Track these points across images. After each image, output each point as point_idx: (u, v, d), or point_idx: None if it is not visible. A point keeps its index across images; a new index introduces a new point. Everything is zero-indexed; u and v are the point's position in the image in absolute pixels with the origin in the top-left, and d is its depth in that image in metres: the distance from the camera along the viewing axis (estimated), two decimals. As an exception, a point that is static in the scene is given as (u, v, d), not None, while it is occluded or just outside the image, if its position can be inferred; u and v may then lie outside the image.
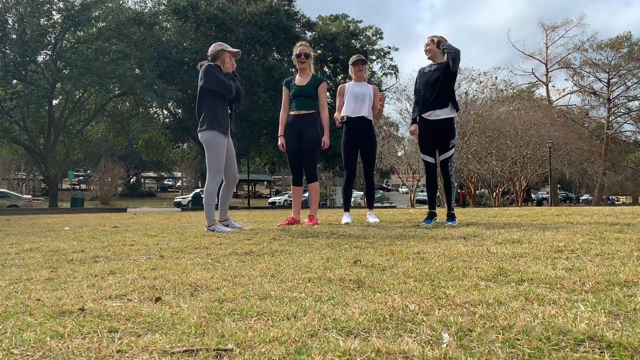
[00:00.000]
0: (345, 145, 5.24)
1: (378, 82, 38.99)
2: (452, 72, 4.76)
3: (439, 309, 1.52)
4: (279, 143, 5.22)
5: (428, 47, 4.89)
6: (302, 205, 5.52)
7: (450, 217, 4.83)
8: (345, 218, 5.24)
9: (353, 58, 5.33)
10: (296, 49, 5.18)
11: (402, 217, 6.12)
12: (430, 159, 4.92)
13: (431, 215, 4.97)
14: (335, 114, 5.33)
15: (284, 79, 5.41)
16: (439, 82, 4.76)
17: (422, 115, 4.88)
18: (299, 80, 5.17)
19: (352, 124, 5.21)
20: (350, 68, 5.38)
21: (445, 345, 1.21)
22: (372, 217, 5.25)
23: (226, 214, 4.89)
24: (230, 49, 4.72)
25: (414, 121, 5.00)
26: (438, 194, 34.36)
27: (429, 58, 4.92)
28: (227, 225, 4.79)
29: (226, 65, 4.64)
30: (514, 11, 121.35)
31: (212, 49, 4.70)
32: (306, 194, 13.55)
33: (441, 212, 5.22)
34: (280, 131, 5.21)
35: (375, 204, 6.17)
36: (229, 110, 4.71)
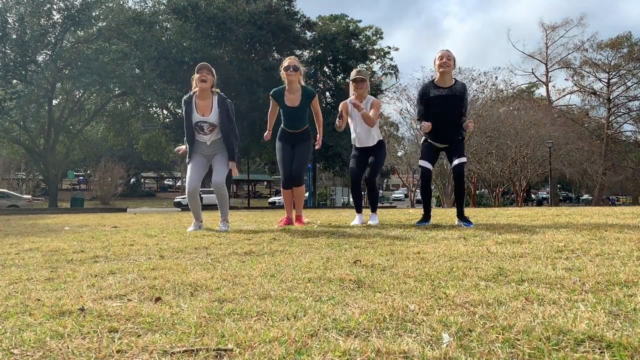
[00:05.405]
0: (354, 163, 5.14)
1: (378, 82, 38.94)
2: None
3: (439, 309, 1.52)
4: (266, 134, 5.25)
5: (450, 62, 4.53)
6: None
7: (467, 219, 4.70)
8: (356, 220, 5.17)
9: (353, 74, 5.08)
10: (285, 62, 5.11)
11: (402, 217, 6.12)
12: (428, 165, 4.72)
13: (426, 219, 4.84)
14: (338, 121, 5.07)
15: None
16: (457, 112, 4.53)
17: (433, 142, 4.68)
18: (289, 99, 5.07)
19: (360, 150, 5.15)
20: (350, 83, 5.16)
21: (445, 345, 1.21)
22: (372, 220, 5.20)
23: (222, 216, 4.94)
24: (196, 73, 4.72)
25: (423, 119, 4.71)
26: (438, 194, 33.87)
27: (442, 73, 4.56)
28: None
29: (193, 87, 4.73)
30: (545, 5, 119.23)
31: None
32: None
33: (440, 213, 5.20)
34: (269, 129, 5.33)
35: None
36: (203, 132, 4.79)
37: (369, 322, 1.40)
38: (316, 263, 2.50)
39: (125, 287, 2.00)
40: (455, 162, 4.62)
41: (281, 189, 5.33)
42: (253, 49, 30.41)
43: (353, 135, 5.17)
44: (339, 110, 5.15)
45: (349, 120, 5.18)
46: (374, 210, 5.38)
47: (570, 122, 40.32)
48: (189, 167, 4.81)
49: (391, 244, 3.16)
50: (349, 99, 5.16)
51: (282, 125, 5.24)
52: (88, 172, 48.01)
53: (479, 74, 34.54)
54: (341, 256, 2.73)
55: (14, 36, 24.92)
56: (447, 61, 4.54)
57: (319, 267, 2.36)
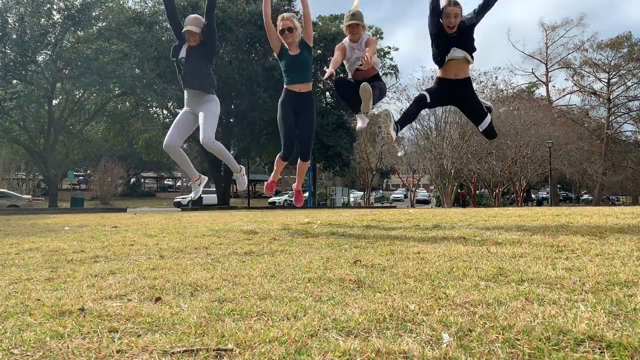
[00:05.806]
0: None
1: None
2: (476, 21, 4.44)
3: (439, 309, 1.52)
4: None
5: (457, 20, 4.36)
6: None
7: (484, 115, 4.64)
8: (360, 121, 4.95)
9: (347, 18, 4.85)
10: (279, 25, 4.89)
11: (402, 217, 6.12)
12: (428, 97, 4.54)
13: (397, 129, 4.80)
14: (330, 69, 4.86)
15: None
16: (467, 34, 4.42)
17: (445, 59, 4.43)
18: (291, 50, 4.96)
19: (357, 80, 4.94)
20: (344, 28, 4.95)
21: (445, 345, 1.21)
22: (360, 121, 4.96)
23: (233, 169, 5.27)
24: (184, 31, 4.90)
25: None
26: (438, 194, 33.71)
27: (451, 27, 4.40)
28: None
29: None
30: (545, 5, 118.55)
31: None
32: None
33: (440, 212, 5.18)
34: None
35: (375, 204, 6.03)
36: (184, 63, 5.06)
37: (369, 322, 1.40)
38: (316, 263, 2.50)
39: (125, 287, 2.00)
40: (482, 127, 4.60)
41: (278, 158, 5.04)
42: (253, 49, 30.37)
43: (348, 69, 5.06)
44: (335, 54, 4.97)
45: (344, 63, 5.03)
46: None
47: (570, 122, 40.30)
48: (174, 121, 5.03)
49: (391, 244, 3.16)
50: (346, 40, 5.00)
51: (285, 85, 5.01)
52: (88, 172, 48.00)
53: (479, 74, 34.41)
54: (341, 256, 2.73)
55: (14, 36, 24.92)
56: (454, 21, 4.37)
57: (319, 267, 2.36)
